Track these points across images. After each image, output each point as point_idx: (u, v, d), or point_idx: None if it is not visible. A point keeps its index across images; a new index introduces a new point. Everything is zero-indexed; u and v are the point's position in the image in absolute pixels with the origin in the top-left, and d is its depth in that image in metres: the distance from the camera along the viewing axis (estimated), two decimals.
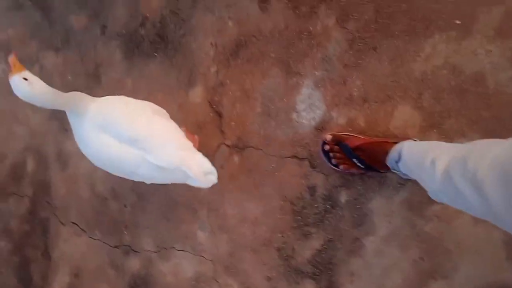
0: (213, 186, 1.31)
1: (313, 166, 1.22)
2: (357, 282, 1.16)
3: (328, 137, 1.15)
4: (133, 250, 1.51)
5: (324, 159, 1.17)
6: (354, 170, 1.14)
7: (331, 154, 1.15)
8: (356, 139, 1.12)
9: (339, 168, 1.15)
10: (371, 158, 1.08)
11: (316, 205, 1.22)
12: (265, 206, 1.29)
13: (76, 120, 1.01)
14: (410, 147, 0.96)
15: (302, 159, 1.23)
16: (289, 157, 1.25)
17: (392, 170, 1.03)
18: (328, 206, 1.20)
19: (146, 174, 1.04)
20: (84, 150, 1.05)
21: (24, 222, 1.80)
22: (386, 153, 1.02)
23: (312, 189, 1.22)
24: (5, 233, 1.86)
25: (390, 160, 1.00)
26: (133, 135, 0.99)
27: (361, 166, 1.09)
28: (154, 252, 1.46)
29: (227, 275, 1.33)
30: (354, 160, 1.10)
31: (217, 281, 1.35)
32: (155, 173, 1.02)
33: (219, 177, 1.26)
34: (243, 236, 1.31)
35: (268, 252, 1.28)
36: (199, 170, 1.02)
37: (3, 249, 1.86)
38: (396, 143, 1.03)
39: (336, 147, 1.14)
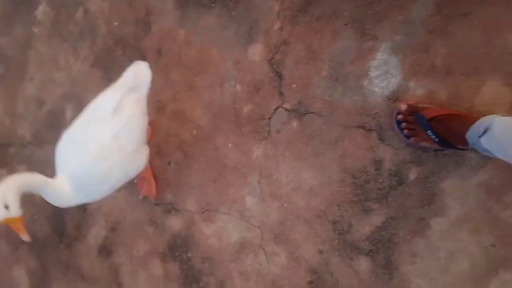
0: (268, 151, 1.28)
1: (381, 139, 1.16)
2: (419, 264, 1.12)
3: (403, 106, 1.09)
4: (174, 209, 1.50)
5: (397, 129, 1.12)
6: (426, 144, 1.08)
7: (403, 124, 1.10)
8: (434, 110, 1.05)
9: (410, 141, 1.09)
10: (448, 131, 1.02)
11: (380, 180, 1.17)
12: (323, 176, 1.24)
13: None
14: (504, 121, 0.88)
15: (369, 130, 1.18)
16: (355, 127, 1.19)
17: (471, 146, 0.96)
18: (394, 182, 1.15)
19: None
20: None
21: None
22: (465, 126, 0.95)
23: (378, 163, 1.17)
24: None
25: (471, 134, 0.93)
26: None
27: (436, 139, 1.03)
28: (197, 213, 1.45)
29: (275, 243, 1.31)
30: (429, 132, 1.04)
31: (264, 249, 1.33)
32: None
33: (274, 142, 1.23)
34: (296, 206, 1.28)
35: (322, 224, 1.24)
36: None
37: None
38: (476, 117, 0.95)
39: (410, 117, 1.09)
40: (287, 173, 1.30)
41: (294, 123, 1.28)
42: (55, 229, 1.83)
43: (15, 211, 0.93)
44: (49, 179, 1.06)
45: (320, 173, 1.25)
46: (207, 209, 1.44)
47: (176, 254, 1.50)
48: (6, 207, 0.92)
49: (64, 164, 1.12)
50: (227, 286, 1.40)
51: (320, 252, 1.25)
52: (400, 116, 1.10)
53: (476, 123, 0.93)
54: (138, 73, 1.16)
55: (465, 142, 0.97)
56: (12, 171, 1.96)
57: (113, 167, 1.13)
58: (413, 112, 1.08)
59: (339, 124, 1.22)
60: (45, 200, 1.07)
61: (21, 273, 1.96)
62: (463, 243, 1.08)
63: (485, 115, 0.98)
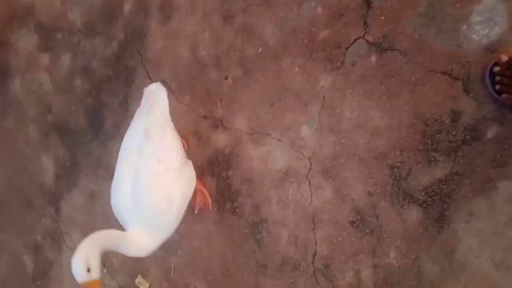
0: (337, 82, 1.23)
1: (466, 90, 1.11)
2: (474, 223, 1.10)
3: (504, 58, 1.02)
4: (223, 125, 1.47)
5: (488, 82, 1.06)
6: None
7: (497, 78, 1.03)
8: None
9: (500, 97, 1.04)
10: None
11: (454, 133, 1.12)
12: (392, 118, 1.20)
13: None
14: None
15: (455, 78, 1.12)
16: (440, 72, 1.14)
17: None
18: (468, 137, 1.11)
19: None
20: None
21: (107, 66, 1.77)
22: None
23: (456, 115, 1.12)
24: (84, 71, 1.83)
25: None
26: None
27: None
28: (246, 133, 1.42)
29: (322, 177, 1.30)
30: None
31: (309, 181, 1.32)
32: None
33: (346, 74, 1.18)
34: (354, 144, 1.25)
35: (379, 167, 1.22)
36: None
37: (78, 87, 1.85)
38: None
39: (508, 72, 1.02)
40: (352, 109, 1.26)
41: (373, 58, 1.22)
42: (92, 123, 1.83)
43: (96, 273, 0.94)
44: (125, 234, 1.07)
45: (389, 115, 1.20)
46: (258, 131, 1.41)
47: (216, 170, 1.49)
48: (89, 269, 0.92)
49: (127, 215, 1.12)
50: (263, 210, 1.40)
51: (370, 194, 1.23)
52: (497, 68, 1.03)
53: None
54: (153, 95, 1.19)
55: None
56: (56, 57, 1.93)
57: (170, 189, 1.14)
58: None
59: (423, 67, 1.16)
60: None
61: (48, 162, 1.99)
62: None
63: None
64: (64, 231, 1.85)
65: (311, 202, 1.32)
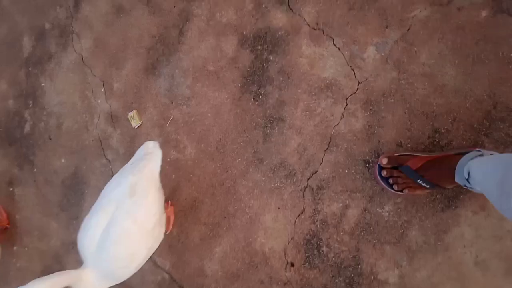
0: (431, 20, 1.13)
1: None
2: (480, 217, 1.13)
3: (384, 160, 1.12)
4: (289, 5, 1.38)
5: (386, 185, 1.14)
6: (419, 192, 1.12)
7: (391, 180, 1.13)
8: (418, 159, 1.09)
9: (404, 193, 1.13)
10: (437, 177, 1.05)
11: None
12: (464, 84, 1.15)
13: None
14: (478, 165, 0.91)
15: None
16: None
17: (464, 187, 0.99)
18: None
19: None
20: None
21: None
22: (453, 170, 0.98)
23: None
24: None
25: (459, 178, 0.97)
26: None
27: (427, 186, 1.07)
28: (309, 25, 1.33)
29: (362, 107, 1.26)
30: (419, 181, 1.07)
31: (347, 104, 1.28)
32: None
33: (444, 15, 1.07)
34: (413, 90, 1.20)
35: (423, 124, 1.20)
36: None
37: None
38: (459, 155, 1.00)
39: (394, 171, 1.12)
40: (431, 55, 1.18)
41: (484, 13, 1.12)
42: None
43: None
44: (75, 273, 1.12)
45: (464, 79, 1.14)
46: (322, 29, 1.32)
47: (258, 47, 1.42)
48: None
49: (88, 254, 1.15)
50: (286, 109, 1.37)
51: (399, 144, 1.21)
52: (384, 172, 1.12)
53: (457, 168, 0.97)
54: (149, 152, 1.22)
55: (457, 184, 1.00)
56: None
57: (136, 249, 1.19)
58: (396, 165, 1.12)
59: None
60: None
61: None
62: None
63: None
64: (75, 31, 1.77)
65: (337, 124, 1.29)
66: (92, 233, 1.17)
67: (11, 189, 1.92)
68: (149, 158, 1.22)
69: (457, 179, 0.99)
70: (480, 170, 0.91)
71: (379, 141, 1.24)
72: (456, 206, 1.15)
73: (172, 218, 1.50)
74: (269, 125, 1.39)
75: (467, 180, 0.95)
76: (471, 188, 0.97)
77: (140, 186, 1.18)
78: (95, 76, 1.71)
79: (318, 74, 1.32)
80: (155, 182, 1.23)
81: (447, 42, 1.16)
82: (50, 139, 1.82)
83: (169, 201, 1.52)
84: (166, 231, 1.43)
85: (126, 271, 1.22)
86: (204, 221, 1.50)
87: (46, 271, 1.84)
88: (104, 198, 1.23)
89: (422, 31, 1.18)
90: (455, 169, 0.99)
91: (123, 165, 1.54)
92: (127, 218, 1.16)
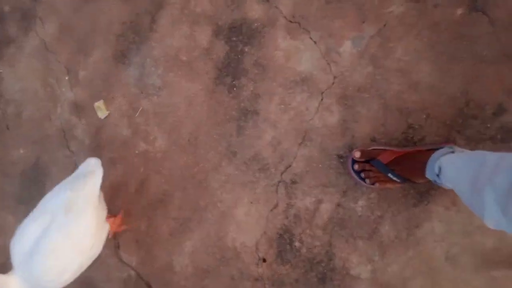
0: (407, 16, 1.14)
1: None
2: (451, 213, 1.14)
3: (357, 153, 1.14)
4: None
5: (357, 178, 1.16)
6: (391, 185, 1.14)
7: (362, 174, 1.15)
8: (389, 153, 1.11)
9: (375, 186, 1.15)
10: (407, 172, 1.07)
11: (488, 125, 1.11)
12: (438, 81, 1.16)
13: None
14: (450, 161, 0.93)
15: None
16: None
17: (434, 183, 1.01)
18: (498, 137, 1.10)
19: None
20: None
21: None
22: (423, 165, 1.00)
23: (501, 110, 1.09)
24: None
25: (429, 174, 0.99)
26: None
27: (398, 180, 1.08)
28: (285, 18, 1.31)
29: (337, 101, 1.26)
30: (389, 175, 1.09)
31: (322, 98, 1.27)
32: None
33: (420, 11, 1.08)
34: (388, 85, 1.21)
35: (397, 119, 1.20)
36: None
37: None
38: (430, 150, 1.02)
39: (367, 164, 1.14)
40: (406, 51, 1.18)
41: (459, 11, 1.14)
42: None
43: None
44: (1, 279, 1.10)
45: (439, 76, 1.15)
46: (298, 22, 1.30)
47: (233, 38, 1.38)
48: None
49: (17, 261, 1.13)
50: (260, 102, 1.34)
51: (373, 139, 1.22)
52: (356, 166, 1.14)
53: (428, 164, 0.98)
54: (90, 171, 1.20)
55: (427, 179, 1.01)
56: None
57: (66, 264, 1.16)
58: (368, 159, 1.14)
59: (502, 47, 1.10)
60: None
61: None
62: None
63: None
64: (39, 15, 1.67)
65: (312, 119, 1.28)
66: (25, 241, 1.15)
67: None
68: (90, 175, 1.20)
69: (427, 174, 1.00)
70: (452, 166, 0.92)
71: (353, 136, 1.24)
72: (428, 201, 1.16)
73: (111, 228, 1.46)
74: (243, 118, 1.36)
75: (438, 175, 0.96)
76: (440, 184, 0.98)
77: (76, 203, 1.17)
78: (59, 62, 1.63)
79: (294, 67, 1.30)
80: (94, 200, 1.21)
81: (423, 38, 1.17)
82: (8, 128, 1.71)
83: (119, 214, 1.47)
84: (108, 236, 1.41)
85: (54, 284, 1.19)
86: (173, 215, 1.46)
87: (1, 270, 1.73)
88: (39, 209, 1.21)
89: (398, 27, 1.19)
90: (426, 164, 1.00)
91: (88, 157, 1.47)
92: (59, 233, 1.14)
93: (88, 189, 1.19)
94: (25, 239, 1.16)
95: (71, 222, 1.16)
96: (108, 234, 1.35)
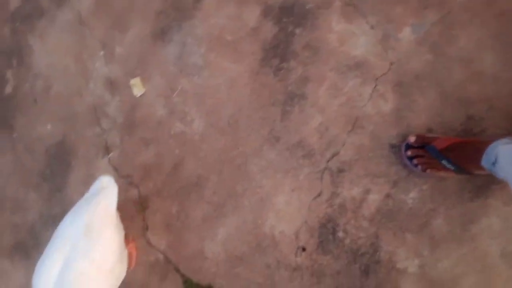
0: (473, 4, 1.10)
1: None
2: (511, 209, 1.09)
3: (412, 138, 1.09)
4: None
5: (410, 165, 1.12)
6: (444, 173, 1.10)
7: (415, 161, 1.11)
8: (444, 140, 1.06)
9: (427, 173, 1.11)
10: (463, 160, 1.03)
11: None
12: (503, 72, 1.12)
13: None
14: (507, 151, 0.89)
15: None
16: None
17: (489, 172, 0.96)
18: None
19: None
20: None
21: None
22: (480, 153, 0.96)
23: None
24: None
25: (485, 162, 0.95)
26: None
27: (452, 167, 1.05)
28: (341, 1, 1.26)
29: (392, 89, 1.21)
30: (443, 162, 1.05)
31: (376, 85, 1.23)
32: None
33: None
34: (448, 74, 1.17)
35: (456, 110, 1.16)
36: None
37: None
38: (489, 141, 0.97)
39: (421, 150, 1.10)
40: (470, 40, 1.14)
41: None
42: None
43: None
44: None
45: (503, 67, 1.12)
46: (354, 5, 1.26)
47: (284, 19, 1.34)
48: None
49: None
50: (309, 86, 1.30)
51: (429, 130, 1.17)
52: (410, 152, 1.10)
53: (486, 151, 0.94)
54: (103, 188, 1.17)
55: (482, 168, 0.97)
56: None
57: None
58: (423, 144, 1.09)
59: None
60: None
61: None
62: None
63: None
64: None
65: (364, 105, 1.24)
66: (47, 276, 1.09)
67: None
68: (104, 194, 1.16)
69: (483, 162, 0.96)
70: (508, 156, 0.88)
71: (408, 125, 1.20)
72: (487, 196, 1.12)
73: (134, 254, 1.41)
74: (289, 102, 1.31)
75: (493, 164, 0.91)
76: (494, 173, 0.94)
77: (95, 224, 1.12)
78: (94, 37, 1.57)
79: (348, 51, 1.26)
80: (111, 219, 1.16)
81: (488, 28, 1.12)
82: (36, 102, 1.65)
83: (131, 236, 1.41)
84: (129, 267, 1.34)
85: None
86: (208, 200, 1.40)
87: (19, 247, 1.66)
88: (58, 238, 1.15)
89: (463, 14, 1.15)
90: (482, 152, 0.96)
91: (120, 136, 1.42)
92: (83, 259, 1.09)
93: (104, 208, 1.14)
94: (47, 273, 1.10)
95: (92, 246, 1.11)
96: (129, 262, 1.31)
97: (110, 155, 1.52)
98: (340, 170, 1.26)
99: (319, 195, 1.28)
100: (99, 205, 1.14)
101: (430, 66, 1.17)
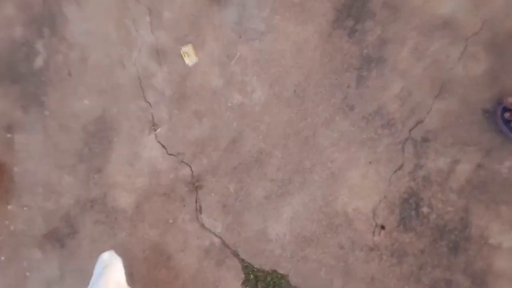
0: None
1: None
2: None
3: (510, 99, 1.01)
4: None
5: (506, 130, 1.04)
6: None
7: None
8: None
9: None
10: None
11: None
12: None
13: None
14: None
15: None
16: None
17: None
18: None
19: None
20: None
21: None
22: None
23: None
24: None
25: None
26: None
27: None
28: None
29: (484, 49, 1.12)
30: None
31: (466, 45, 1.12)
32: None
33: None
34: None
35: None
36: None
37: None
38: None
39: None
40: None
41: None
42: None
43: None
44: None
45: None
46: None
47: None
48: None
49: None
50: (388, 48, 1.20)
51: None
52: (508, 114, 1.02)
53: None
54: (107, 265, 1.15)
55: None
56: None
57: None
58: None
59: None
60: None
61: None
62: None
63: None
64: None
65: (453, 68, 1.14)
66: None
67: (9, 135, 1.57)
68: (110, 271, 1.14)
69: None
70: None
71: (503, 88, 1.10)
72: None
73: None
74: (365, 66, 1.21)
75: None
76: None
77: None
78: (139, 2, 1.43)
79: (434, 9, 1.15)
80: None
81: None
82: (70, 75, 1.51)
83: None
84: None
85: None
86: (271, 177, 1.29)
87: (52, 236, 1.52)
88: None
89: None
90: None
91: (168, 110, 1.30)
92: None
93: (114, 284, 1.12)
94: None
95: None
96: None
97: (158, 131, 1.39)
98: (425, 140, 1.16)
99: (400, 167, 1.18)
100: (108, 282, 1.12)
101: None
